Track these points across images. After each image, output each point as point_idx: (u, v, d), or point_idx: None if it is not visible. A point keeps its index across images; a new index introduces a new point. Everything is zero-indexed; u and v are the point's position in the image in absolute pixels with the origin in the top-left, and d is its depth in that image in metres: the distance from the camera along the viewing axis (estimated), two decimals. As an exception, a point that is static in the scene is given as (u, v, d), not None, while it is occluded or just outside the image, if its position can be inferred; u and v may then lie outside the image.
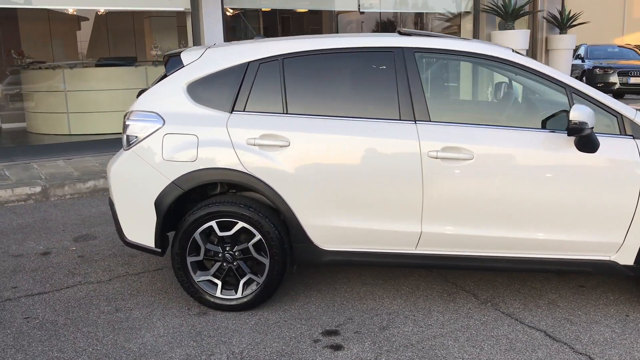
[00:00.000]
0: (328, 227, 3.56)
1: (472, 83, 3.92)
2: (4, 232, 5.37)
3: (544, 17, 11.92)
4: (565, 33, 11.94)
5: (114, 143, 8.54)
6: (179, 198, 3.61)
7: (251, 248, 3.60)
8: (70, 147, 8.20)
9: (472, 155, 3.40)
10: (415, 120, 3.47)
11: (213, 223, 3.58)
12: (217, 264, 3.66)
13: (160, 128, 3.59)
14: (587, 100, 3.42)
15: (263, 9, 7.85)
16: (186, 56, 3.74)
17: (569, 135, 3.24)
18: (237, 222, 3.56)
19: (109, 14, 11.10)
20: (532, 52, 11.87)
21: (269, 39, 3.90)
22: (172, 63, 3.75)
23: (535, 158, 3.38)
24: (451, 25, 12.15)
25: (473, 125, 3.49)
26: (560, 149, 3.37)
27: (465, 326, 3.49)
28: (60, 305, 3.83)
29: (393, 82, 3.52)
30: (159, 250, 3.69)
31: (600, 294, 3.89)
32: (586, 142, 3.29)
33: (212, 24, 8.47)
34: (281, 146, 3.51)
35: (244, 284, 3.66)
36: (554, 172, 3.37)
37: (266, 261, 3.60)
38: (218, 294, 3.67)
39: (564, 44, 11.89)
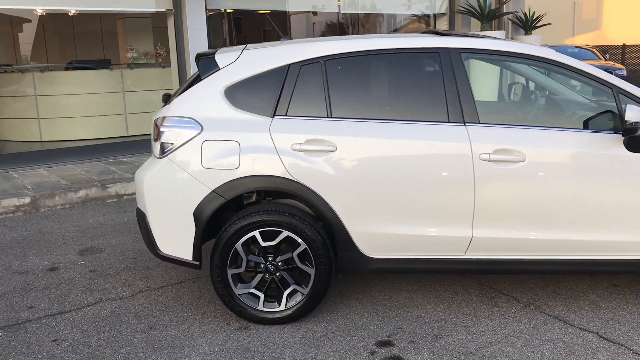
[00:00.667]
0: (375, 234, 3.45)
1: (511, 83, 3.89)
2: (0, 247, 5.02)
3: (509, 19, 12.04)
4: (530, 34, 12.09)
5: (94, 150, 8.21)
6: (219, 208, 3.42)
7: (296, 258, 3.46)
8: (49, 155, 7.81)
9: (524, 157, 3.35)
10: (464, 123, 3.40)
11: (256, 233, 3.41)
12: (259, 276, 3.49)
13: (198, 134, 3.40)
14: (634, 100, 3.41)
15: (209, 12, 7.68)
16: (221, 58, 3.56)
17: (624, 135, 3.22)
18: (282, 232, 3.41)
19: (77, 15, 10.67)
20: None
21: (308, 40, 3.76)
22: (206, 65, 3.55)
23: (585, 159, 3.36)
24: (425, 26, 12.21)
25: (522, 126, 3.44)
26: (609, 149, 3.35)
27: (517, 331, 3.43)
28: (88, 325, 3.58)
29: (440, 83, 3.44)
30: (197, 263, 3.50)
31: (636, 292, 3.90)
32: (638, 142, 3.29)
33: (196, 25, 8.22)
34: (327, 151, 3.37)
35: (288, 295, 3.50)
36: (605, 172, 3.35)
37: (311, 271, 3.46)
38: (260, 307, 3.51)
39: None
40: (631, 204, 3.36)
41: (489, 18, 10.91)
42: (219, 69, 3.52)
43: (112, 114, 9.53)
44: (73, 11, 9.71)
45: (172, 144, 3.43)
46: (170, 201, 3.45)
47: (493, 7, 10.96)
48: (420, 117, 3.44)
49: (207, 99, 3.48)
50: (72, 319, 3.67)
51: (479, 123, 3.40)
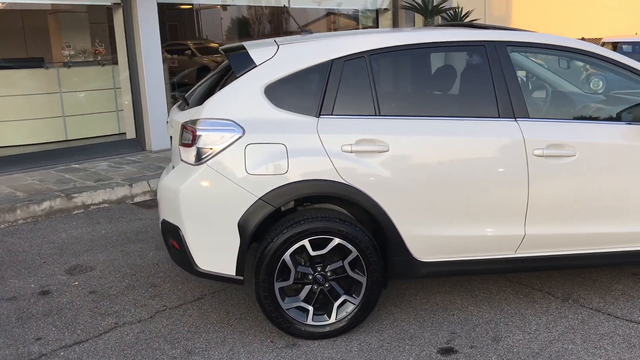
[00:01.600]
0: (428, 236, 3.30)
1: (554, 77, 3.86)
2: (-32, 270, 4.44)
3: (406, 7, 11.48)
4: (431, 24, 11.38)
5: (38, 156, 7.52)
6: (267, 217, 3.14)
7: (347, 266, 3.24)
8: (-11, 163, 7.05)
9: (575, 152, 3.31)
10: (515, 118, 3.31)
11: (305, 242, 3.17)
12: (307, 288, 3.25)
13: (240, 138, 3.10)
14: None
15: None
16: (257, 54, 3.27)
17: None
18: (332, 239, 3.18)
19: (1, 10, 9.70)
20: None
21: (345, 33, 3.55)
22: (240, 61, 3.25)
23: (633, 152, 3.36)
24: (367, 22, 12.19)
25: (571, 120, 3.41)
26: None
27: (569, 327, 3.40)
28: (116, 355, 3.20)
29: (488, 77, 3.33)
30: (241, 278, 3.20)
31: (659, 280, 3.99)
32: None
33: (147, 19, 7.71)
34: (380, 152, 3.18)
35: (338, 306, 3.28)
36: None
37: (363, 279, 3.26)
38: (309, 321, 3.27)
39: None
40: None
41: (433, 13, 11.05)
42: (256, 66, 3.23)
43: (48, 117, 8.76)
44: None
45: (212, 149, 3.11)
46: (211, 212, 3.13)
47: (435, 2, 11.10)
48: (471, 113, 3.32)
49: (245, 98, 3.18)
50: (93, 349, 3.26)
51: (529, 118, 3.32)
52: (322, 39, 3.41)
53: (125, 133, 8.56)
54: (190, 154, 3.17)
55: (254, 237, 3.17)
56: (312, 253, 3.19)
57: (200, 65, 14.98)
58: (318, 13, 12.94)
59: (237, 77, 3.22)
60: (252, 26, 18.68)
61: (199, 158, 3.13)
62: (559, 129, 3.34)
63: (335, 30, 13.31)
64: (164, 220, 3.34)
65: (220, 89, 3.27)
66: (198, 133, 3.13)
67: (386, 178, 3.19)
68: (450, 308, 3.66)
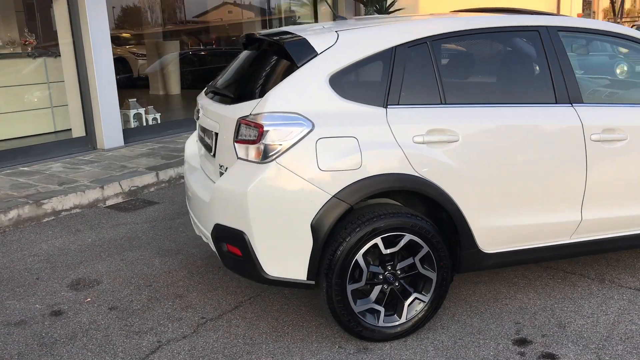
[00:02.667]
0: (495, 227, 3.23)
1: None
2: (-50, 294, 3.87)
3: (362, 3, 11.52)
4: (371, 13, 11.24)
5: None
6: (342, 216, 2.93)
7: (418, 263, 3.10)
8: None
9: (626, 136, 3.35)
10: (571, 103, 3.30)
11: (378, 240, 3.00)
12: (378, 288, 3.08)
13: (310, 132, 2.86)
14: None
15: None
16: (317, 41, 3.03)
17: None
18: (404, 235, 3.03)
19: None
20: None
21: (404, 17, 3.38)
22: (298, 50, 3.00)
23: None
24: (305, 10, 12.00)
25: (619, 105, 3.44)
26: None
27: (622, 308, 3.46)
28: (178, 377, 2.88)
29: (544, 62, 3.30)
30: (313, 282, 2.97)
31: (676, 256, 4.16)
32: None
33: (96, 6, 7.11)
34: (450, 141, 3.06)
35: (408, 305, 3.14)
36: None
37: (433, 275, 3.13)
38: (380, 322, 3.11)
39: None
40: None
41: (374, 2, 11.04)
42: (317, 54, 3.00)
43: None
44: None
45: (281, 145, 2.85)
46: (282, 213, 2.88)
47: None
48: (531, 100, 3.27)
49: (310, 89, 2.95)
50: (147, 373, 2.93)
51: (583, 103, 3.32)
52: (381, 25, 3.22)
53: (67, 130, 7.86)
54: (253, 151, 2.90)
55: (328, 239, 2.95)
56: (385, 251, 3.03)
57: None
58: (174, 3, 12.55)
59: (299, 67, 2.97)
60: (151, 14, 17.73)
61: (266, 155, 2.86)
62: (610, 113, 3.37)
63: (270, 19, 12.97)
64: (218, 225, 3.04)
65: (267, 78, 3.03)
66: (265, 128, 2.85)
67: (457, 169, 3.07)
68: (499, 298, 3.62)
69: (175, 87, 12.50)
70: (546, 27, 3.34)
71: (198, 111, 3.54)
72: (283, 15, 12.74)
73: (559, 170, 3.26)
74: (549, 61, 3.29)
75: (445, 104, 3.11)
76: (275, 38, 3.22)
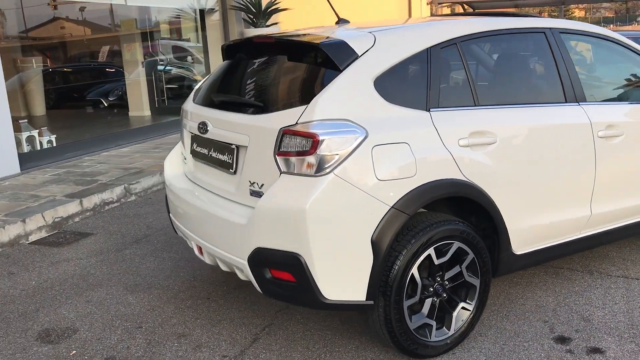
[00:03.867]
0: (525, 227, 3.23)
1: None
2: None
3: (236, 7, 10.80)
4: (265, 26, 10.85)
5: None
6: (402, 228, 2.74)
7: (464, 270, 3.00)
8: None
9: (623, 131, 3.53)
10: (578, 102, 3.41)
11: (431, 250, 2.85)
12: (429, 301, 2.93)
13: (365, 139, 2.65)
14: None
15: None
16: (356, 43, 2.83)
17: None
18: (452, 244, 2.92)
19: None
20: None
21: (430, 18, 3.27)
22: (338, 52, 2.77)
23: None
24: (190, 23, 11.49)
25: (613, 102, 3.61)
26: None
27: (627, 297, 3.61)
28: None
29: (552, 63, 3.38)
30: (372, 302, 2.74)
31: (636, 243, 4.47)
32: None
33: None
34: (489, 143, 3.01)
35: (455, 316, 3.03)
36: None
37: (476, 282, 3.06)
38: (433, 337, 2.96)
39: None
40: None
41: (266, 14, 10.87)
42: (358, 57, 2.80)
43: None
44: None
45: (337, 155, 2.60)
46: (341, 230, 2.63)
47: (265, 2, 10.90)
48: (548, 99, 3.34)
49: (357, 94, 2.74)
50: None
51: (586, 102, 3.45)
52: (413, 26, 3.11)
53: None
54: (305, 164, 2.62)
55: (388, 253, 2.73)
56: (436, 262, 2.88)
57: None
58: (131, 12, 11.78)
59: (342, 71, 2.75)
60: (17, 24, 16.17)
61: (322, 167, 2.60)
62: (608, 110, 3.53)
63: (166, 29, 12.23)
64: (261, 249, 2.70)
65: (304, 84, 2.81)
66: (321, 138, 2.59)
67: (496, 170, 3.03)
68: (513, 299, 3.63)
69: (39, 108, 11.33)
70: (551, 28, 3.43)
71: (204, 125, 3.15)
72: (161, 29, 12.13)
73: (577, 167, 3.36)
74: (557, 62, 3.38)
75: (479, 105, 3.06)
76: (306, 41, 2.96)
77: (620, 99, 3.74)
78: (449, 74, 3.02)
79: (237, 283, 3.91)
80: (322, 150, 2.59)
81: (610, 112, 3.53)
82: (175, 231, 3.70)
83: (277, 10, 10.90)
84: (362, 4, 24.13)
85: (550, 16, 32.23)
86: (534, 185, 3.20)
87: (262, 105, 2.89)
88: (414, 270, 2.80)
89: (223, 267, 3.09)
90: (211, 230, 3.03)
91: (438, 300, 2.96)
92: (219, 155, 3.08)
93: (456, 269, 2.98)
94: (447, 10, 27.16)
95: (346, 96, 2.71)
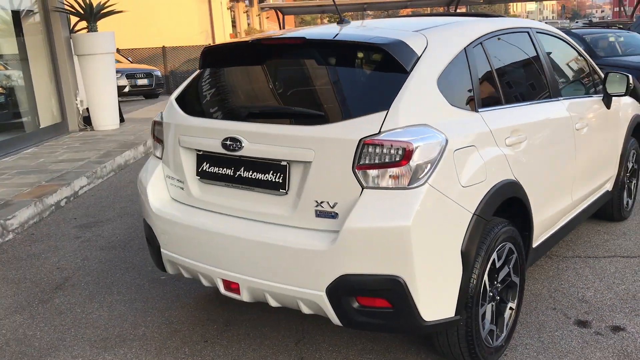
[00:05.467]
0: (541, 221, 3.34)
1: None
2: None
3: (61, 10, 9.70)
4: (95, 30, 9.87)
5: None
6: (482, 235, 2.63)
7: (511, 270, 3.00)
8: None
9: (587, 123, 3.83)
10: (557, 97, 3.61)
11: (495, 255, 2.79)
12: (490, 307, 2.87)
13: (446, 145, 2.48)
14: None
15: None
16: (413, 43, 2.64)
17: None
18: (506, 245, 2.89)
19: None
20: (51, 59, 9.73)
21: (453, 17, 3.16)
22: (401, 53, 2.56)
23: (600, 117, 4.08)
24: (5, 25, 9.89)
25: (577, 97, 3.88)
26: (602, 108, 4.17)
27: (603, 274, 3.93)
28: None
29: (539, 61, 3.53)
30: (459, 317, 2.59)
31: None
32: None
33: None
34: (522, 141, 3.05)
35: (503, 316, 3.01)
36: (603, 124, 4.14)
37: (517, 280, 3.07)
38: (494, 342, 2.90)
39: (99, 45, 9.57)
40: (606, 151, 4.25)
41: (97, 17, 9.84)
42: (419, 57, 2.61)
43: None
44: None
45: (429, 163, 2.40)
46: (438, 244, 2.43)
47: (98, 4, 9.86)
48: (544, 96, 3.49)
49: (427, 96, 2.57)
50: None
51: (561, 97, 3.67)
52: (446, 25, 2.99)
53: None
54: (396, 176, 2.37)
55: (473, 264, 2.60)
56: (497, 265, 2.83)
57: None
58: None
59: (409, 73, 2.54)
60: None
61: (415, 178, 2.37)
62: (576, 105, 3.79)
63: None
64: (347, 277, 2.38)
65: (371, 88, 2.58)
66: (415, 145, 2.36)
67: (529, 168, 3.08)
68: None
69: None
70: (532, 28, 3.57)
71: (234, 140, 2.67)
72: None
73: (568, 157, 3.57)
74: (542, 60, 3.54)
75: (507, 103, 3.07)
76: (358, 42, 2.67)
77: (577, 93, 4.04)
78: (482, 73, 2.98)
79: (226, 318, 3.46)
80: (415, 159, 2.37)
81: (578, 106, 3.79)
82: (165, 269, 3.13)
83: (110, 13, 9.92)
84: (160, 4, 23.31)
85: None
86: (548, 178, 3.33)
87: (322, 114, 2.55)
88: (486, 277, 2.71)
89: (273, 303, 2.68)
90: (260, 263, 2.60)
91: (494, 304, 2.90)
92: (257, 174, 2.65)
93: (505, 270, 2.95)
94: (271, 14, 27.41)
95: (420, 100, 2.52)
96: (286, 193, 2.59)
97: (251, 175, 2.68)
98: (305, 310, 2.59)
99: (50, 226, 5.43)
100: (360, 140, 2.40)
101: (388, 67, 2.58)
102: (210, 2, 26.23)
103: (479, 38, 3.01)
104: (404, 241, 2.33)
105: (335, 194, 2.45)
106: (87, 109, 10.21)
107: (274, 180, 2.61)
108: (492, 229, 2.72)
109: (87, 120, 10.24)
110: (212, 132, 2.78)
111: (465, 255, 2.53)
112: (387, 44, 2.58)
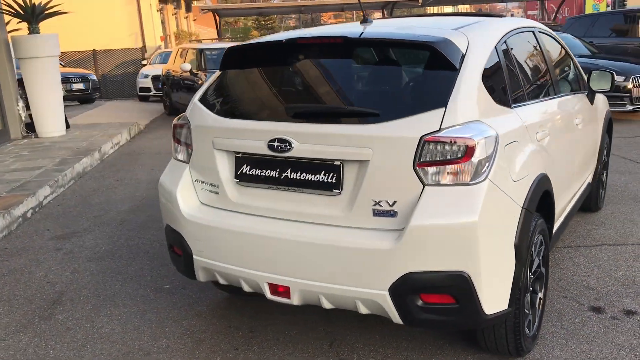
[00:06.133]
0: (558, 211, 3.46)
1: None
2: None
3: (1, 11, 9.26)
4: (37, 32, 9.43)
5: None
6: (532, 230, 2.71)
7: (541, 262, 3.09)
8: None
9: (582, 119, 4.00)
10: (560, 94, 3.76)
11: (533, 247, 2.87)
12: (527, 297, 2.94)
13: (497, 139, 2.54)
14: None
15: None
16: (457, 40, 2.68)
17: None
18: (539, 237, 2.98)
19: None
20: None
21: (476, 16, 3.21)
22: (450, 51, 2.59)
23: (585, 112, 4.27)
24: None
25: (569, 94, 4.02)
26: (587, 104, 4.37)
27: (599, 261, 4.12)
28: None
29: (545, 59, 3.66)
30: (511, 309, 2.64)
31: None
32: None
33: None
34: (547, 135, 3.17)
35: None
36: (589, 118, 4.33)
37: (544, 271, 3.17)
38: (531, 331, 2.99)
39: (43, 48, 9.23)
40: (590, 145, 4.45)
41: (39, 18, 9.36)
42: (464, 54, 2.66)
43: None
44: None
45: (488, 158, 2.44)
46: (498, 238, 2.48)
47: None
48: (551, 92, 3.60)
49: (476, 93, 2.62)
50: None
51: (562, 93, 3.81)
52: (476, 23, 3.04)
53: None
54: (458, 172, 2.40)
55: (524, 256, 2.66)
56: (534, 257, 2.91)
57: None
58: None
59: (459, 70, 2.57)
60: None
61: (477, 174, 2.41)
62: (572, 101, 3.95)
63: None
64: (412, 275, 2.39)
65: (423, 85, 2.62)
66: (477, 140, 2.39)
67: (552, 160, 3.19)
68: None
69: None
70: (535, 27, 3.70)
71: (283, 142, 2.61)
72: None
73: (572, 150, 3.71)
74: (545, 58, 3.67)
75: (529, 100, 3.16)
76: (405, 40, 2.68)
77: (568, 89, 4.19)
78: (510, 70, 3.05)
79: (248, 325, 3.38)
80: (477, 155, 2.41)
81: (574, 102, 3.96)
82: (195, 277, 3.02)
83: (55, 14, 9.46)
84: (88, 5, 22.38)
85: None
86: (563, 170, 3.46)
87: (379, 112, 2.53)
88: (527, 269, 2.79)
89: (327, 305, 2.64)
90: (315, 265, 2.55)
91: (529, 295, 2.98)
92: (307, 175, 2.61)
93: (536, 262, 3.03)
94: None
95: (472, 96, 2.56)
96: (340, 193, 2.56)
97: (300, 176, 2.63)
98: (363, 310, 2.57)
99: (22, 239, 5.12)
100: (421, 137, 2.41)
101: (437, 65, 2.60)
102: (139, 4, 25.46)
103: (503, 36, 3.09)
104: (471, 237, 2.36)
105: (394, 193, 2.45)
106: (30, 115, 9.70)
107: (326, 180, 2.58)
108: (533, 221, 2.80)
109: (30, 127, 9.73)
110: (255, 134, 2.71)
111: (517, 248, 2.59)
112: (436, 42, 2.61)
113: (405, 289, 2.43)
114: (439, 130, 2.41)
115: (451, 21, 3.18)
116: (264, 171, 2.73)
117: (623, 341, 3.09)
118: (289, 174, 2.66)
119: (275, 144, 2.63)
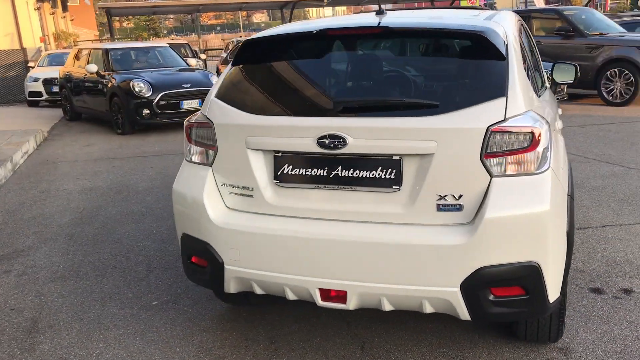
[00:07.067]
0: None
1: None
2: None
3: None
4: None
5: None
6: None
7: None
8: None
9: (558, 109, 4.17)
10: (545, 85, 3.88)
11: (565, 234, 2.93)
12: (560, 283, 3.00)
13: (548, 129, 2.54)
14: None
15: None
16: (499, 30, 2.66)
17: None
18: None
19: None
20: None
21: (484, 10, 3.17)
22: (496, 40, 2.56)
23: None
24: None
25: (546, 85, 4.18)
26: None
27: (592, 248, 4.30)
28: None
29: (534, 50, 3.76)
30: (562, 297, 2.66)
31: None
32: None
33: None
34: (561, 127, 3.23)
35: (557, 293, 3.17)
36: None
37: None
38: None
39: None
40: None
41: None
42: (507, 45, 2.64)
43: None
44: None
45: (549, 148, 2.45)
46: (559, 227, 2.48)
47: None
48: (542, 82, 3.70)
49: (525, 82, 2.60)
50: None
51: (545, 84, 3.94)
52: (501, 13, 3.02)
53: None
54: (526, 161, 2.37)
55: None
56: (564, 244, 2.97)
57: None
58: None
59: (507, 59, 2.54)
60: None
61: (542, 163, 2.40)
62: (550, 92, 4.09)
63: None
64: (484, 269, 2.33)
65: (476, 74, 2.55)
66: (542, 130, 2.38)
67: (557, 155, 3.25)
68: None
69: None
70: (521, 18, 3.79)
71: (335, 138, 2.44)
72: None
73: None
74: (534, 47, 3.77)
75: (540, 89, 3.22)
76: (452, 29, 2.59)
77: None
78: (527, 59, 3.08)
79: (265, 335, 3.18)
80: (542, 144, 2.39)
81: (551, 93, 4.11)
82: (224, 289, 2.77)
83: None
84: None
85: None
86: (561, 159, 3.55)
87: (439, 104, 2.43)
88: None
89: (388, 307, 2.51)
90: (376, 265, 2.41)
91: (561, 280, 3.04)
92: (361, 172, 2.46)
93: (566, 247, 3.10)
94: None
95: (523, 85, 2.54)
96: (399, 189, 2.44)
97: (352, 173, 2.48)
98: (429, 309, 2.47)
99: (-43, 264, 4.50)
100: (488, 128, 2.35)
101: (487, 54, 2.54)
102: (13, 2, 23.51)
103: (518, 28, 3.12)
104: (543, 226, 2.34)
105: (460, 186, 2.38)
106: None
107: (384, 176, 2.45)
108: (574, 208, 2.84)
109: None
110: (300, 131, 2.52)
111: (569, 235, 2.61)
112: (486, 31, 2.56)
113: (477, 284, 2.37)
114: (504, 120, 2.37)
115: (475, 12, 3.15)
116: (310, 170, 2.55)
117: (635, 318, 3.23)
118: (339, 172, 2.50)
119: (327, 140, 2.46)
